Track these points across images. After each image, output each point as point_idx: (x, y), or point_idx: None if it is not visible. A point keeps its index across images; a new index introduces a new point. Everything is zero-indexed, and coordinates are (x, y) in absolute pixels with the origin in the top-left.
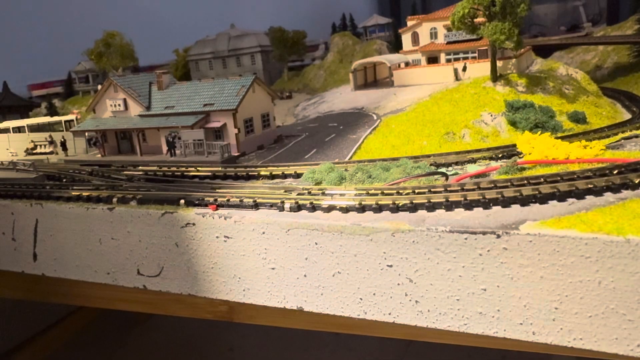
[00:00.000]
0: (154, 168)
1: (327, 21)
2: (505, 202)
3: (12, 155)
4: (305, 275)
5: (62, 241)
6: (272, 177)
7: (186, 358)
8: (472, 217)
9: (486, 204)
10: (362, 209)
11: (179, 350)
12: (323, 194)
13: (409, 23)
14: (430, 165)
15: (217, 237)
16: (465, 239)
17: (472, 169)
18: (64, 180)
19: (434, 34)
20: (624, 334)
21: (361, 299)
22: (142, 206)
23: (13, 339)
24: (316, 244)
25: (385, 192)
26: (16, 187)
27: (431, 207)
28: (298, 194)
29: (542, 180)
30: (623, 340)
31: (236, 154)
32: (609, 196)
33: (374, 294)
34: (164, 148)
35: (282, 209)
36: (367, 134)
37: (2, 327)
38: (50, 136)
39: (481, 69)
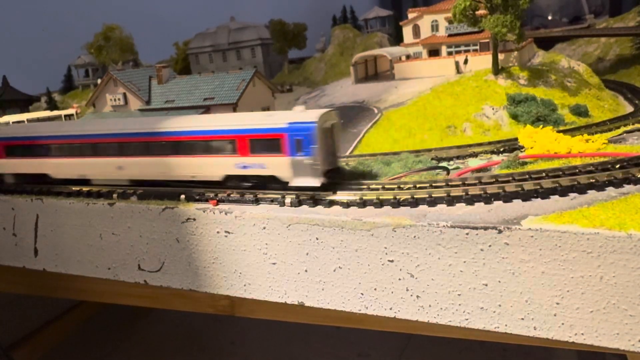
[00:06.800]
0: None
1: (328, 14)
2: (507, 197)
3: None
4: (306, 271)
5: (63, 236)
6: None
7: (188, 351)
8: (473, 212)
9: (488, 199)
10: (363, 204)
11: (181, 343)
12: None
13: (410, 15)
14: (432, 159)
15: (217, 232)
16: (467, 234)
17: (473, 163)
18: None
19: (435, 27)
20: (625, 329)
21: (362, 294)
22: (143, 201)
23: (15, 333)
24: (317, 239)
25: (386, 186)
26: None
27: (432, 202)
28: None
29: (543, 174)
30: (624, 335)
31: None
32: (611, 191)
33: (375, 289)
34: None
35: (282, 204)
36: (368, 127)
37: (3, 322)
38: None
39: (483, 61)
